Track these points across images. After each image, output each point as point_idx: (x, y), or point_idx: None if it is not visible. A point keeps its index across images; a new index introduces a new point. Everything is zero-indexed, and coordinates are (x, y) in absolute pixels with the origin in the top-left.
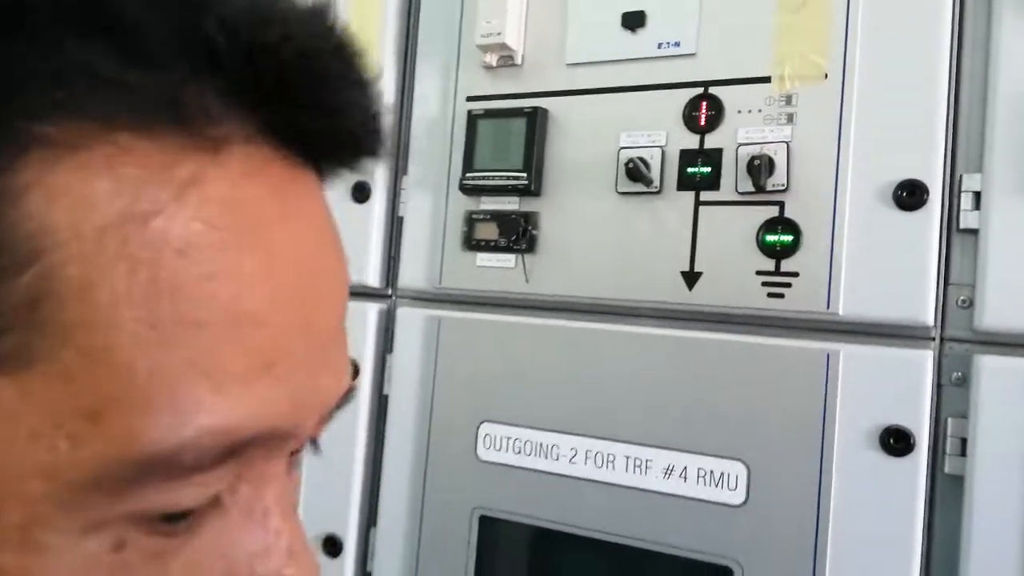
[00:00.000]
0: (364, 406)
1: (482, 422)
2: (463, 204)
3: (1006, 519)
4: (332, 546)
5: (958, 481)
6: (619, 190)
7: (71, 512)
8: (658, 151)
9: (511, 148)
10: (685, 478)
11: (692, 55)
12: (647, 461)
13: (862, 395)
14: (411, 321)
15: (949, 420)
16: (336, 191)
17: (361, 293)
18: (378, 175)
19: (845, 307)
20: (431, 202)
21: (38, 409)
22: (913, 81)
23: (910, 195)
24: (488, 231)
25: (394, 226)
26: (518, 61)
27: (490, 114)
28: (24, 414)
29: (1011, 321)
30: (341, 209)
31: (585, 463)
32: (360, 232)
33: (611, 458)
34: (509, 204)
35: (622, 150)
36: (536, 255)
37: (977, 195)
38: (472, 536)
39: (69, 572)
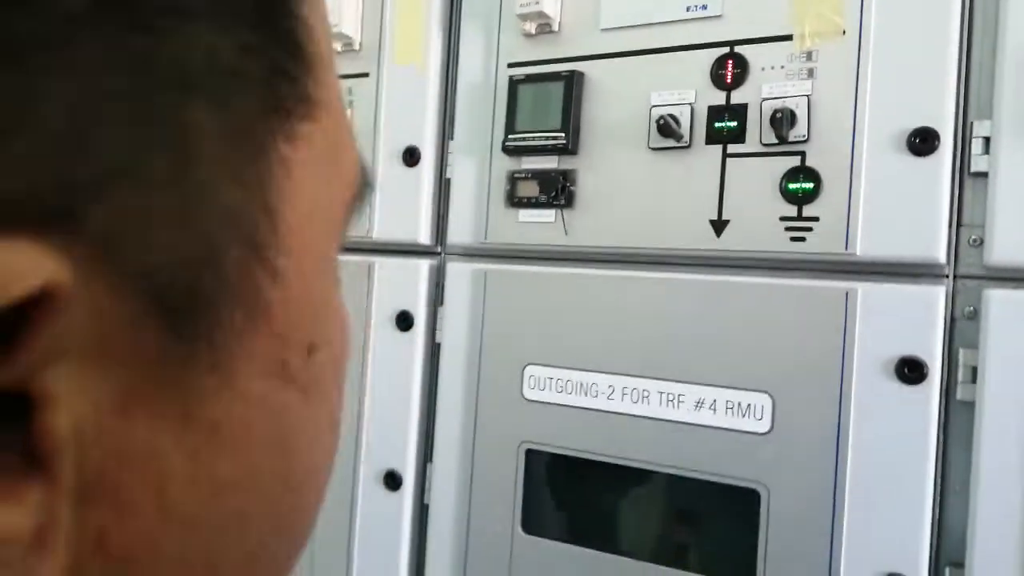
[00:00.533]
0: (419, 354)
1: (527, 365)
2: (506, 164)
3: (1013, 438)
4: (392, 480)
5: (969, 406)
6: (651, 146)
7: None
8: (687, 108)
9: (550, 110)
10: (714, 410)
11: (719, 16)
12: (679, 395)
13: (879, 329)
14: (460, 275)
15: (961, 350)
16: (388, 157)
17: (413, 251)
18: (427, 140)
19: (863, 248)
20: (476, 164)
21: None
22: (925, 35)
23: (923, 141)
24: (529, 189)
25: (442, 188)
26: (555, 28)
27: (530, 79)
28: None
29: (1019, 257)
30: (393, 174)
31: (622, 399)
32: (411, 194)
33: (646, 394)
34: (549, 163)
35: (653, 108)
36: (574, 210)
37: (987, 140)
38: (519, 468)
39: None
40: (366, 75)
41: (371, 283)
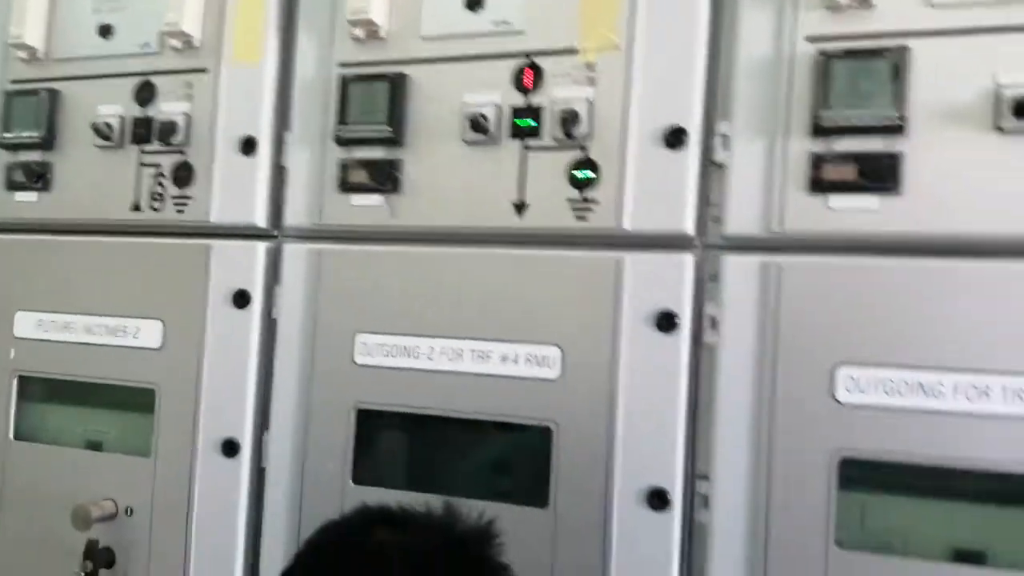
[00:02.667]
0: (255, 329)
1: (357, 333)
2: (338, 154)
3: (743, 372)
4: (230, 448)
5: (712, 349)
6: (465, 139)
7: None
8: (494, 108)
9: (377, 106)
10: (516, 362)
11: (520, 32)
12: (487, 352)
13: (642, 290)
14: (296, 255)
15: (706, 304)
16: (226, 147)
17: (251, 234)
18: (263, 131)
19: (630, 223)
20: (311, 153)
21: None
22: (679, 51)
23: (676, 137)
24: (360, 176)
25: (279, 175)
26: (383, 35)
27: (360, 78)
28: None
29: (747, 229)
30: (230, 162)
31: (440, 358)
32: (247, 181)
33: (460, 352)
34: (377, 153)
35: (466, 107)
36: (400, 195)
37: (725, 137)
38: (351, 427)
39: None
40: (205, 71)
41: (208, 264)
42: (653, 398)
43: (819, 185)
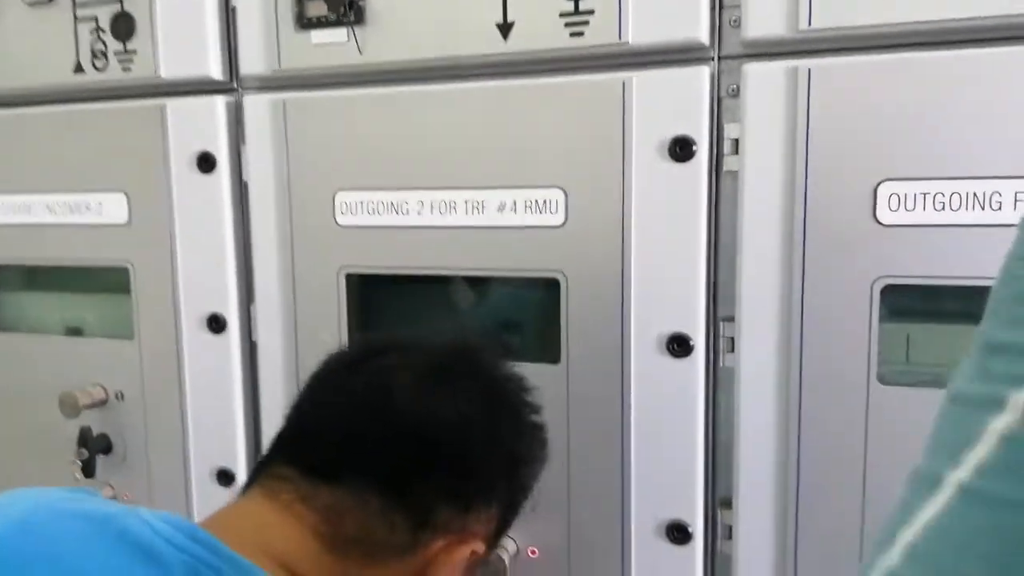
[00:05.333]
0: (226, 195)
1: (337, 191)
2: None
3: (770, 193)
4: (216, 323)
5: (734, 176)
6: None
7: None
8: None
9: None
10: (515, 210)
11: None
12: (482, 202)
13: (653, 114)
14: (258, 109)
15: (726, 126)
16: None
17: (206, 89)
18: None
19: (634, 36)
20: None
21: None
22: None
23: None
24: (317, 8)
25: (229, 15)
26: None
27: None
28: None
29: (771, 31)
30: (172, 6)
31: (431, 213)
32: (196, 23)
33: (453, 204)
34: None
35: None
36: (366, 26)
37: None
38: (341, 293)
39: None
40: None
41: (165, 127)
42: (670, 237)
43: None
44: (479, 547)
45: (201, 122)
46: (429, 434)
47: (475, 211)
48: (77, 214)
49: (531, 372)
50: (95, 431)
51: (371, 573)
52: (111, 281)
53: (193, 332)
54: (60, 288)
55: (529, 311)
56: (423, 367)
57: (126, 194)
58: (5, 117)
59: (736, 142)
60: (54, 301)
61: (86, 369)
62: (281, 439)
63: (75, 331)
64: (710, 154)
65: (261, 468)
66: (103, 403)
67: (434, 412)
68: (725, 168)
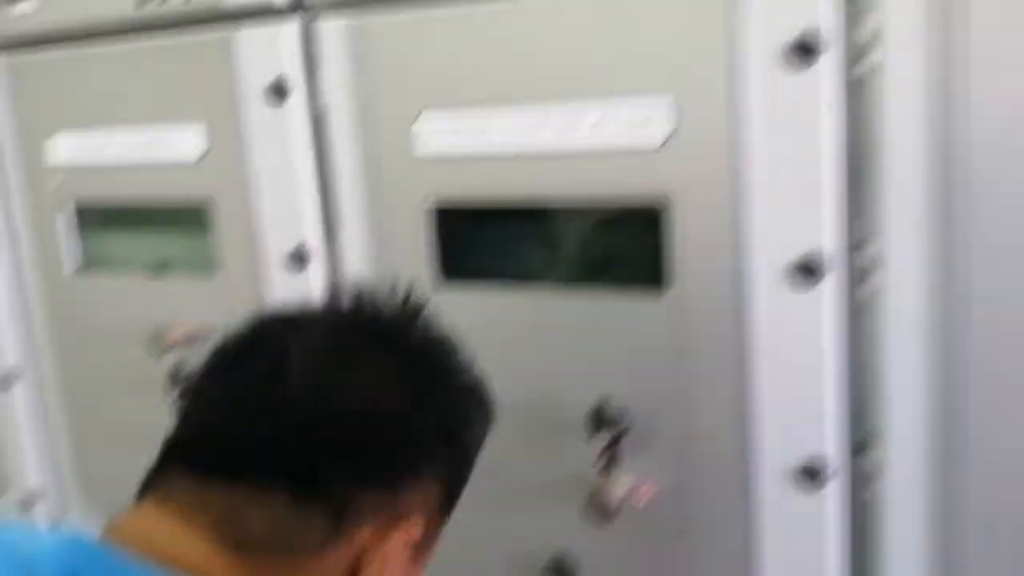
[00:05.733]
0: (302, 127)
1: (420, 117)
2: None
3: (910, 102)
4: (299, 260)
5: (860, 83)
6: None
7: None
8: None
9: None
10: (614, 126)
11: None
12: (577, 119)
13: (768, 9)
14: (333, 34)
15: (862, 15)
16: None
17: (272, 12)
18: None
19: None
20: None
21: None
22: None
23: None
24: None
25: None
26: None
27: None
28: None
29: None
30: None
31: (519, 136)
32: None
33: (542, 123)
34: None
35: None
36: None
37: None
38: (429, 226)
39: None
40: None
41: (232, 58)
42: (792, 151)
43: None
44: (414, 531)
45: (270, 51)
46: (332, 416)
47: (568, 129)
48: (153, 151)
49: (635, 303)
50: (182, 371)
51: (290, 574)
52: (191, 218)
53: (277, 268)
54: (138, 226)
55: (632, 237)
56: (320, 344)
57: (200, 129)
58: (72, 56)
59: (876, 34)
60: (134, 240)
61: (171, 307)
62: (170, 442)
63: (158, 269)
64: (836, 56)
65: (150, 478)
66: (195, 340)
67: (335, 391)
68: (855, 72)
